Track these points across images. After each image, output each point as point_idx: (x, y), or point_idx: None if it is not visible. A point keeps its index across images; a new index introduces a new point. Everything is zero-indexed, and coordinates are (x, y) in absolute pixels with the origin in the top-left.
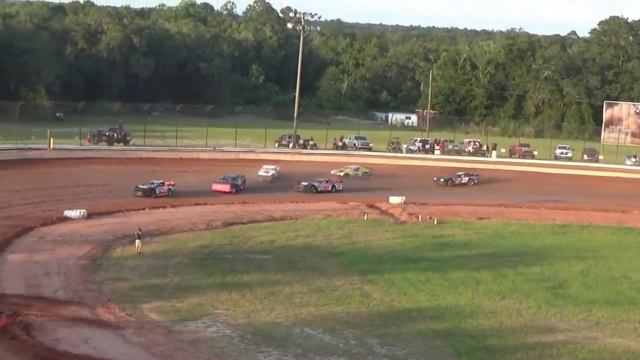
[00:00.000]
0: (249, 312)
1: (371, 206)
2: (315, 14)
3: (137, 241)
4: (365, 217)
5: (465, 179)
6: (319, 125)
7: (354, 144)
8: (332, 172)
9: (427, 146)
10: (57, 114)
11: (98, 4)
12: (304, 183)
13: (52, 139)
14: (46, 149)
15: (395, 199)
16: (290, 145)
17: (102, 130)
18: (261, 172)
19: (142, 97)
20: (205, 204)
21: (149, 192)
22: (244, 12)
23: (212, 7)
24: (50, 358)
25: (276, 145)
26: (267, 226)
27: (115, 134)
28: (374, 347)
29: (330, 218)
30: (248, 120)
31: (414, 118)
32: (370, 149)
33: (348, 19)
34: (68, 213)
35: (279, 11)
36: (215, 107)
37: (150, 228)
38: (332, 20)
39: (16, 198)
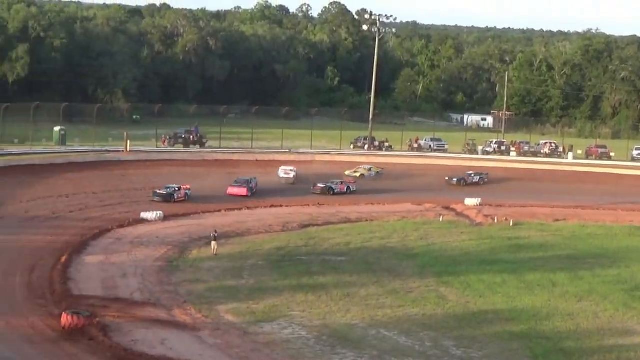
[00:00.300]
0: (325, 313)
1: (447, 208)
2: (391, 16)
3: (213, 243)
4: (441, 219)
5: (476, 179)
6: (394, 127)
7: (430, 146)
8: (346, 172)
9: (503, 148)
10: (134, 117)
11: (174, 7)
12: (321, 185)
13: (129, 141)
14: (123, 151)
15: (471, 201)
16: (366, 147)
17: (179, 133)
18: (282, 174)
19: (218, 99)
20: (281, 205)
21: (168, 198)
22: (320, 14)
23: (287, 10)
24: (127, 359)
25: (352, 147)
26: (342, 228)
27: (191, 136)
28: (449, 349)
29: (406, 220)
30: (323, 122)
31: (489, 119)
32: (445, 151)
33: (423, 20)
34: (145, 215)
35: (354, 13)
36: (291, 109)
37: (226, 230)
38: (407, 22)
39: (94, 200)
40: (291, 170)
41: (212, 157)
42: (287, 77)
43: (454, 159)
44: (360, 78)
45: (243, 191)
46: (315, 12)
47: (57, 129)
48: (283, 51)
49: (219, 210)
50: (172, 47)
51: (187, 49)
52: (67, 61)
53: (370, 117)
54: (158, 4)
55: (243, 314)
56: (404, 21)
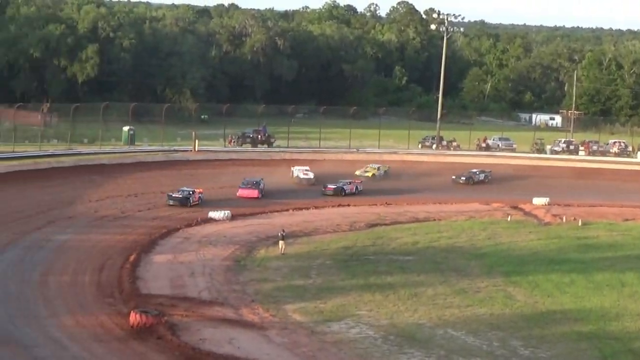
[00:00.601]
0: (392, 313)
1: (515, 207)
2: (459, 15)
3: (281, 242)
4: (509, 219)
5: (481, 176)
6: (462, 126)
7: (498, 145)
8: (356, 172)
9: (572, 147)
10: (202, 116)
11: (242, 7)
12: (332, 186)
13: (197, 141)
14: (191, 150)
15: (539, 200)
16: (434, 146)
17: (247, 132)
18: (301, 175)
19: (286, 99)
20: (349, 205)
21: (184, 202)
22: (387, 14)
23: (355, 9)
24: (195, 358)
25: (419, 146)
26: (410, 227)
27: (259, 136)
28: (517, 349)
29: (474, 219)
30: (391, 121)
31: (558, 119)
32: (513, 150)
33: (491, 19)
34: (212, 214)
35: (422, 12)
36: (359, 108)
37: (293, 229)
38: (475, 22)
39: (162, 199)
40: (307, 171)
41: (279, 157)
42: (355, 76)
43: (522, 158)
44: (428, 77)
45: (254, 193)
46: (383, 12)
47: (126, 128)
48: (351, 51)
49: (287, 210)
50: (240, 47)
51: (255, 48)
52: (136, 61)
53: (438, 116)
54: (226, 4)
55: (310, 313)
56: (472, 20)
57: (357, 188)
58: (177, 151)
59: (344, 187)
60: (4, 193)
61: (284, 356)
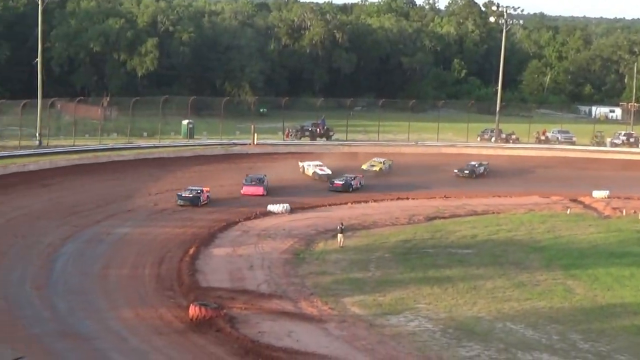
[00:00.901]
0: (451, 306)
1: (574, 200)
2: (518, 7)
3: (340, 235)
4: (568, 212)
5: (481, 169)
6: (521, 119)
7: (557, 138)
8: (363, 166)
9: (632, 140)
10: (261, 110)
11: (301, 0)
12: (340, 181)
13: (256, 134)
14: (250, 144)
15: (599, 193)
16: (493, 139)
17: (305, 125)
18: (318, 171)
19: (345, 92)
20: (407, 198)
21: (195, 201)
22: (446, 7)
23: (414, 2)
24: (254, 350)
25: (478, 139)
26: (469, 220)
27: (318, 129)
28: (577, 342)
29: (533, 212)
30: (450, 114)
31: (617, 111)
32: (573, 143)
33: (551, 12)
34: (271, 207)
35: (481, 5)
36: (417, 101)
37: (352, 222)
38: (534, 14)
39: (221, 192)
40: (322, 166)
41: (338, 150)
42: (414, 69)
43: (581, 151)
44: (487, 70)
45: (259, 190)
46: (441, 5)
47: (185, 122)
48: (409, 43)
49: (346, 203)
50: (299, 41)
51: (313, 42)
52: (195, 55)
53: (497, 109)
54: None
55: (369, 306)
56: (531, 12)
57: (360, 183)
58: (235, 145)
59: (352, 183)
60: (64, 186)
61: (343, 349)
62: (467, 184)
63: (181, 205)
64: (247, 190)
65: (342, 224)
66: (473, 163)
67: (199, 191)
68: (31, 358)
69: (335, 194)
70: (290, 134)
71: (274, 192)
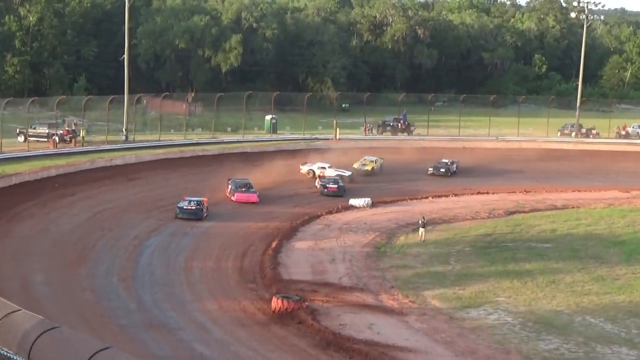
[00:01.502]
0: (530, 300)
1: None
2: (599, 3)
3: (421, 230)
4: None
5: (454, 167)
6: (601, 114)
7: (637, 132)
8: (354, 165)
9: None
10: (343, 105)
11: None
12: (333, 185)
13: (338, 129)
14: (332, 138)
15: None
16: (573, 134)
17: (387, 120)
18: (333, 172)
19: (426, 87)
20: (487, 192)
21: (198, 215)
22: (527, 2)
23: None
24: (335, 343)
25: (558, 134)
26: (548, 215)
27: (399, 124)
28: None
29: (613, 207)
30: (530, 109)
31: None
32: None
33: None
34: (353, 201)
35: (562, 1)
36: (498, 96)
37: (433, 217)
38: (615, 9)
39: (303, 187)
40: (338, 169)
41: (419, 145)
42: (494, 65)
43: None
44: (567, 65)
45: (253, 197)
46: (522, 0)
47: (268, 117)
48: (490, 39)
49: (426, 197)
50: (381, 37)
51: (395, 38)
52: (278, 51)
53: (578, 104)
54: None
55: (449, 299)
56: (612, 8)
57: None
58: (318, 139)
59: (345, 186)
60: (149, 181)
61: (423, 341)
62: (546, 178)
63: (182, 219)
64: (239, 197)
65: (423, 218)
66: (445, 161)
67: (196, 202)
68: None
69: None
70: (368, 128)
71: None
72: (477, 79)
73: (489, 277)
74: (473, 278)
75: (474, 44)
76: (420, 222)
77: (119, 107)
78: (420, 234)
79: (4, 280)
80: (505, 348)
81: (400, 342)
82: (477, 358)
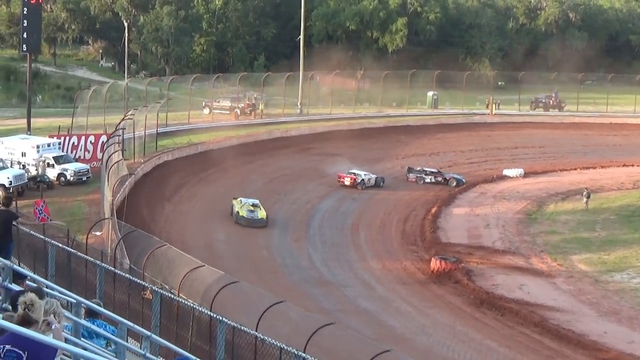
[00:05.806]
0: None
1: None
2: None
3: (585, 199)
4: None
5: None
6: None
7: None
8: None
9: None
10: (499, 83)
11: None
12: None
13: (494, 105)
14: (489, 114)
15: None
16: None
17: (539, 98)
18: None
19: (576, 67)
20: (633, 165)
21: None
22: None
23: None
24: (488, 301)
25: None
26: None
27: (551, 101)
28: None
29: None
30: None
31: None
32: None
33: None
34: (507, 172)
35: None
36: None
37: (580, 187)
38: None
39: (461, 158)
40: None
41: (569, 120)
42: None
43: None
44: None
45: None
46: None
47: (430, 93)
48: (638, 22)
49: (575, 169)
50: (535, 20)
51: (548, 21)
52: (440, 33)
53: None
54: None
55: (595, 263)
56: None
57: None
58: (475, 114)
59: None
60: (322, 151)
61: (569, 302)
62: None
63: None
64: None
65: (587, 189)
66: (425, 169)
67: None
68: (290, 302)
69: None
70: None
71: None
72: (624, 60)
73: (633, 244)
74: (617, 244)
75: (622, 27)
76: (584, 193)
77: (294, 83)
78: (585, 202)
79: (190, 238)
80: None
81: (548, 302)
82: (620, 318)
